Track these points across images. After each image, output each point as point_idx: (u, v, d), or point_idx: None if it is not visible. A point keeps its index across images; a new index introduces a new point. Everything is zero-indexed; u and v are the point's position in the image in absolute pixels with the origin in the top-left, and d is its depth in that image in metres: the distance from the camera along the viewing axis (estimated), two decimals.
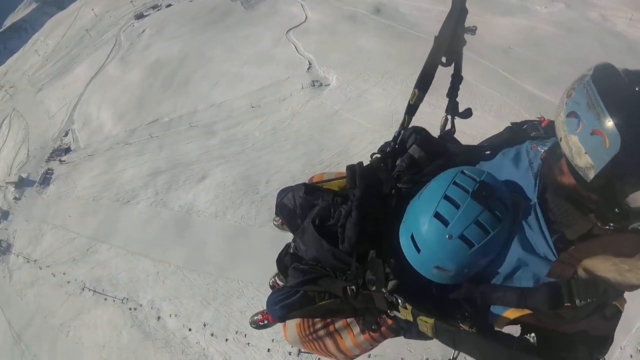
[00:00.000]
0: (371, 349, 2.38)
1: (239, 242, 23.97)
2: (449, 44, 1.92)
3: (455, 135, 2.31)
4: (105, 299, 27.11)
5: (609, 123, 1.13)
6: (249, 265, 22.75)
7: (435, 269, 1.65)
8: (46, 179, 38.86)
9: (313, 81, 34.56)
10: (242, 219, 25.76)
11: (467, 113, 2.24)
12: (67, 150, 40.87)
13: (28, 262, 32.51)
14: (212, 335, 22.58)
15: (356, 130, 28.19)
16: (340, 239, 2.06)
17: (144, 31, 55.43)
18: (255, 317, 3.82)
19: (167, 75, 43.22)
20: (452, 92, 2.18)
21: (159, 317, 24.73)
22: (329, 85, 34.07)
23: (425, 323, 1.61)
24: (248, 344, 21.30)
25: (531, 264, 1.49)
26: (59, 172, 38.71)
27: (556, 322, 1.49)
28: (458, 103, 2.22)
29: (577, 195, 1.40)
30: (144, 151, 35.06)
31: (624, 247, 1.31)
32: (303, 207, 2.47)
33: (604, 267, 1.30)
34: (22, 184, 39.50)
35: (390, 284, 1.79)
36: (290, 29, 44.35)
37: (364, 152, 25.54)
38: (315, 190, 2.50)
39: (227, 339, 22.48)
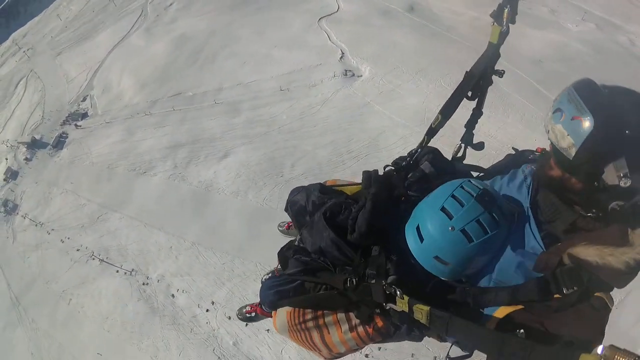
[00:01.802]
0: (356, 349, 2.43)
1: (259, 224, 23.06)
2: (477, 82, 2.17)
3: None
4: (117, 271, 26.38)
5: (585, 111, 1.41)
6: (269, 248, 21.41)
7: (434, 260, 1.82)
8: (60, 142, 38.03)
9: (345, 70, 33.76)
10: (265, 201, 24.87)
11: (480, 146, 2.46)
12: (84, 115, 40.08)
13: (35, 225, 31.72)
14: (225, 316, 21.72)
15: (387, 124, 27.38)
16: (350, 230, 2.21)
17: (171, 4, 54.33)
18: (244, 309, 3.93)
19: (192, 50, 42.34)
20: (471, 124, 2.46)
21: (169, 293, 23.97)
22: (361, 76, 33.24)
23: (421, 310, 1.69)
24: (261, 329, 20.42)
25: (522, 261, 1.66)
26: (73, 136, 37.96)
27: (547, 313, 1.57)
28: (474, 135, 2.48)
29: (563, 187, 1.59)
30: (164, 123, 34.25)
31: (606, 240, 1.46)
32: (315, 204, 2.61)
33: (586, 251, 1.45)
34: (34, 145, 38.74)
35: (390, 278, 1.93)
36: (323, 17, 43.43)
37: (394, 147, 25.13)
38: (329, 191, 2.68)
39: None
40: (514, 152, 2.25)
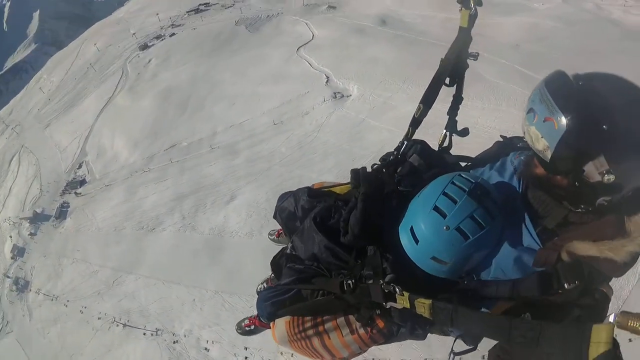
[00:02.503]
0: (359, 353, 2.41)
1: None
2: (453, 67, 2.15)
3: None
4: (144, 333, 25.72)
5: (557, 110, 1.35)
6: None
7: (431, 260, 1.77)
8: (62, 213, 37.80)
9: (334, 93, 34.38)
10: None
11: (465, 132, 2.43)
12: (82, 182, 40.03)
13: (51, 300, 31.15)
14: None
15: (386, 136, 27.69)
16: (343, 232, 2.13)
17: (150, 61, 55.41)
18: (242, 323, 3.74)
19: (179, 101, 42.95)
20: (453, 111, 2.39)
21: (201, 347, 23.38)
22: (350, 95, 33.86)
23: (423, 304, 1.66)
24: None
25: (519, 257, 1.62)
26: (75, 204, 37.76)
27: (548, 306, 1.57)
28: (457, 121, 2.42)
29: (549, 184, 1.57)
30: (165, 177, 34.29)
31: (603, 232, 1.45)
32: (304, 209, 2.55)
33: (585, 247, 1.43)
34: (36, 219, 38.43)
35: (388, 276, 1.88)
36: (300, 47, 44.43)
37: None
38: (318, 194, 2.61)
39: None
40: (502, 140, 2.21)
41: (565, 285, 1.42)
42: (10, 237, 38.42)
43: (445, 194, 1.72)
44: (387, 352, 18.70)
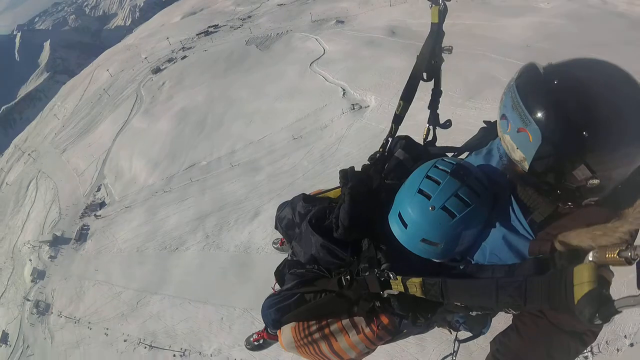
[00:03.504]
0: (367, 352, 2.40)
1: None
2: (428, 62, 2.19)
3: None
4: (174, 355, 25.33)
5: (530, 121, 1.27)
6: None
7: (422, 243, 1.78)
8: (82, 235, 38.04)
9: (352, 105, 34.45)
10: None
11: (448, 124, 2.47)
12: (102, 204, 40.32)
13: (74, 322, 30.99)
14: None
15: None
16: (335, 227, 2.19)
17: (163, 83, 56.37)
18: (251, 338, 3.74)
19: (196, 121, 43.38)
20: (433, 105, 2.42)
21: None
22: (368, 106, 33.88)
23: (414, 284, 1.69)
24: None
25: (514, 243, 1.60)
26: (95, 227, 37.93)
27: None
28: (439, 114, 2.46)
29: (534, 183, 1.52)
30: (185, 196, 34.31)
31: (594, 219, 1.38)
32: (301, 214, 2.60)
33: (578, 235, 1.37)
34: (56, 242, 38.72)
35: (383, 265, 1.92)
36: (313, 62, 44.84)
37: None
38: (313, 199, 2.67)
39: None
40: (486, 125, 2.19)
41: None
42: (30, 260, 38.64)
43: (428, 176, 1.76)
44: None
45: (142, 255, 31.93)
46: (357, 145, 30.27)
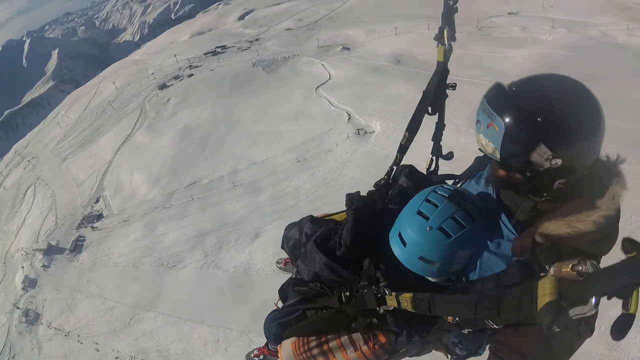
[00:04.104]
0: None
1: None
2: (434, 98, 2.36)
3: None
4: None
5: (495, 116, 1.51)
6: None
7: (419, 261, 1.89)
8: (77, 246, 37.53)
9: (357, 129, 34.80)
10: None
11: (450, 155, 2.65)
12: (99, 216, 39.99)
13: (63, 335, 30.23)
14: None
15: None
16: (338, 246, 2.32)
17: (169, 100, 56.85)
18: (251, 354, 3.77)
19: (199, 139, 43.56)
20: (437, 137, 2.62)
21: None
22: (373, 132, 34.26)
23: (406, 299, 1.81)
24: None
25: (501, 247, 1.74)
26: (91, 238, 37.51)
27: None
28: (442, 146, 2.66)
29: (512, 182, 1.70)
30: (185, 213, 34.13)
31: (576, 211, 1.50)
32: (307, 235, 2.70)
33: (554, 226, 1.51)
34: (51, 251, 38.15)
35: (381, 283, 2.04)
36: (319, 86, 45.50)
37: None
38: (319, 221, 2.81)
39: None
40: (480, 155, 2.26)
41: (546, 267, 1.44)
42: (23, 267, 38.00)
43: (427, 200, 1.91)
44: None
45: (137, 271, 31.46)
46: (361, 169, 30.41)
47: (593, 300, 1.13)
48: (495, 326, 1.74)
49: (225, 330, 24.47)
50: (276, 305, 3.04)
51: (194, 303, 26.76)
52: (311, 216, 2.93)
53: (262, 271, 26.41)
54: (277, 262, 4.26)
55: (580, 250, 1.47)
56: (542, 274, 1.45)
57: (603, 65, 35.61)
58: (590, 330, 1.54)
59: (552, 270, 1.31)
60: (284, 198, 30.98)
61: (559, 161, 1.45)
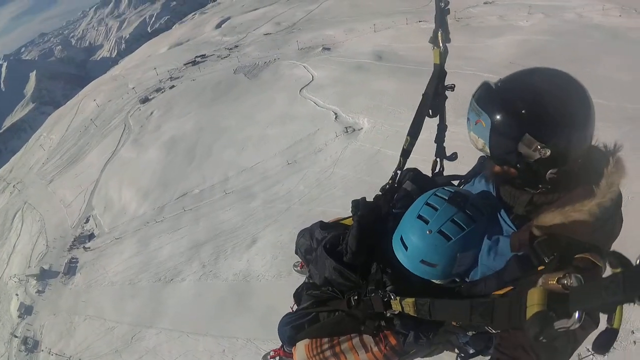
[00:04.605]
0: None
1: None
2: (433, 100, 2.41)
3: None
4: None
5: (481, 112, 1.57)
6: None
7: (421, 264, 1.93)
8: (71, 268, 36.81)
9: (345, 127, 34.85)
10: None
11: (453, 157, 2.71)
12: (91, 236, 39.36)
13: (64, 359, 29.46)
14: None
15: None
16: (344, 252, 2.40)
17: (152, 113, 56.35)
18: (268, 355, 3.84)
19: (186, 149, 43.23)
20: (439, 138, 2.66)
21: None
22: (362, 128, 34.35)
23: (408, 304, 1.82)
24: None
25: (500, 244, 1.75)
26: (84, 259, 36.86)
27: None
28: (445, 147, 2.70)
29: (508, 177, 1.74)
30: (178, 226, 33.76)
31: (573, 202, 1.51)
32: (318, 240, 2.80)
33: (550, 217, 1.53)
34: (44, 275, 37.44)
35: (388, 287, 2.12)
36: (302, 88, 45.52)
37: None
38: (329, 226, 2.90)
39: None
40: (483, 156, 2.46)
41: (545, 259, 1.46)
42: (17, 295, 37.19)
43: (427, 203, 1.94)
44: None
45: (134, 288, 30.97)
46: (353, 167, 30.47)
47: (576, 314, 1.09)
48: (493, 331, 1.76)
49: (230, 340, 24.12)
50: (292, 309, 3.10)
51: (195, 315, 26.36)
52: (321, 222, 3.00)
53: (262, 277, 26.14)
54: (294, 266, 4.40)
55: (579, 242, 1.45)
56: (540, 268, 1.49)
57: (582, 47, 36.36)
58: (595, 323, 1.49)
59: (540, 281, 1.27)
60: (277, 202, 30.80)
61: (547, 151, 1.48)
